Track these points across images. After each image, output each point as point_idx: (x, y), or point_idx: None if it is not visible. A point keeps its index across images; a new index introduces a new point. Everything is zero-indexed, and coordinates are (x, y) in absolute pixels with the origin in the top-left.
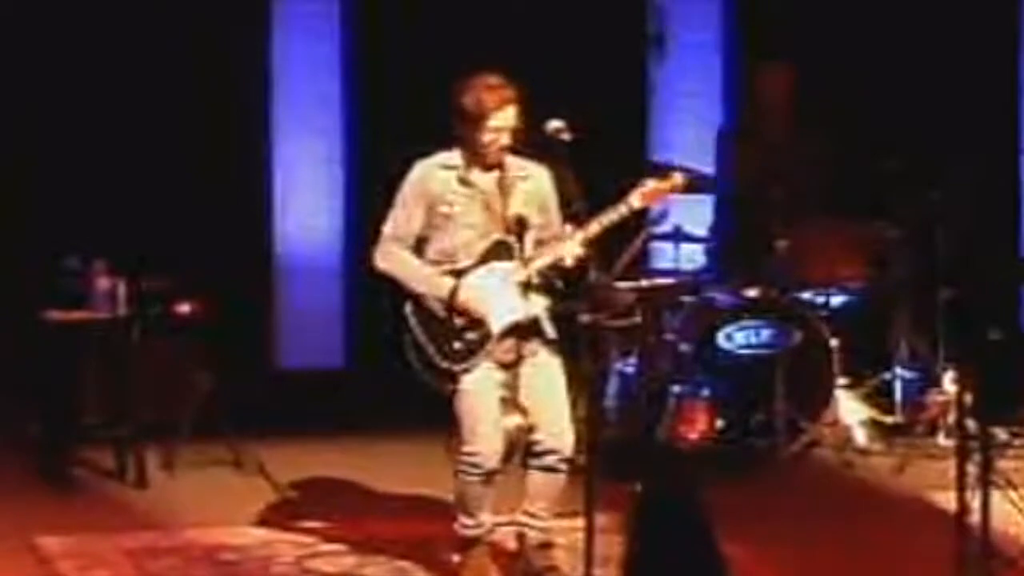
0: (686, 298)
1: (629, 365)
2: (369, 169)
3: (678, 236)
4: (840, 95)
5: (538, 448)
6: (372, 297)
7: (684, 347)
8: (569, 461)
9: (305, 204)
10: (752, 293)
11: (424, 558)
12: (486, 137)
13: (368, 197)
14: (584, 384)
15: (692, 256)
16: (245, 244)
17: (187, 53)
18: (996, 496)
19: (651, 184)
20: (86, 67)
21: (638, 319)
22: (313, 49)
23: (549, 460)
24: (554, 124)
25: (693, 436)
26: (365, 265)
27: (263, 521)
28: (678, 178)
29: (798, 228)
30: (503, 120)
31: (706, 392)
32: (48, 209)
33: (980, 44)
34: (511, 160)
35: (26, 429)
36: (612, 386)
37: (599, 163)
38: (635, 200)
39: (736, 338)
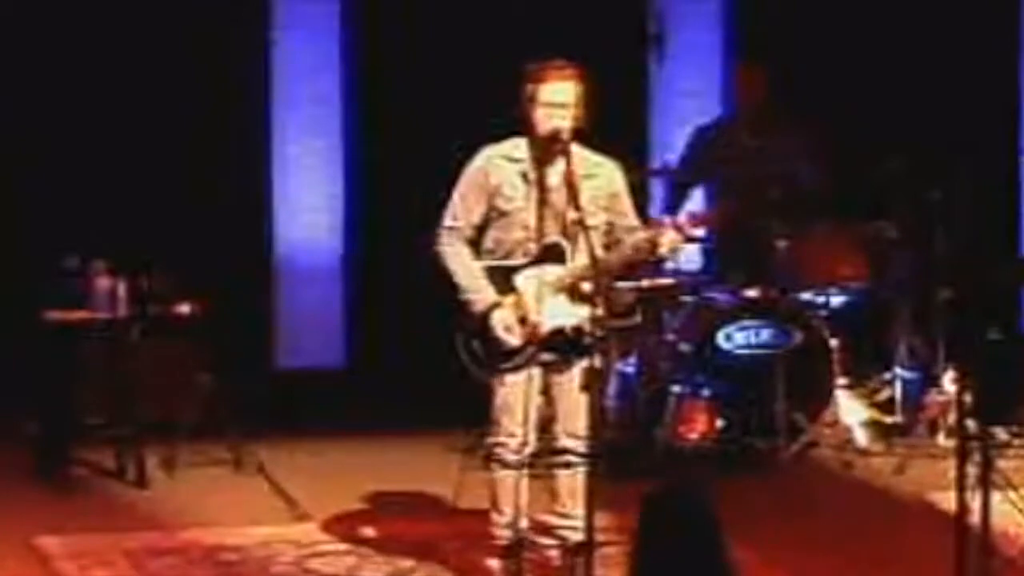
0: (686, 298)
1: (629, 365)
2: (369, 169)
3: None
4: (840, 95)
5: (557, 447)
6: (372, 297)
7: (684, 347)
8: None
9: (305, 204)
10: (752, 293)
11: (424, 558)
12: (541, 111)
13: (368, 198)
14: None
15: (692, 256)
16: (245, 244)
17: (187, 53)
18: (996, 496)
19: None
20: (86, 67)
21: (638, 319)
22: (313, 48)
23: (567, 457)
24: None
25: (693, 436)
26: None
27: (263, 521)
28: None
29: (798, 228)
30: (557, 94)
31: (706, 392)
32: (48, 209)
33: (981, 44)
34: (579, 154)
35: (26, 429)
36: (612, 386)
37: None
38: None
39: (736, 338)
